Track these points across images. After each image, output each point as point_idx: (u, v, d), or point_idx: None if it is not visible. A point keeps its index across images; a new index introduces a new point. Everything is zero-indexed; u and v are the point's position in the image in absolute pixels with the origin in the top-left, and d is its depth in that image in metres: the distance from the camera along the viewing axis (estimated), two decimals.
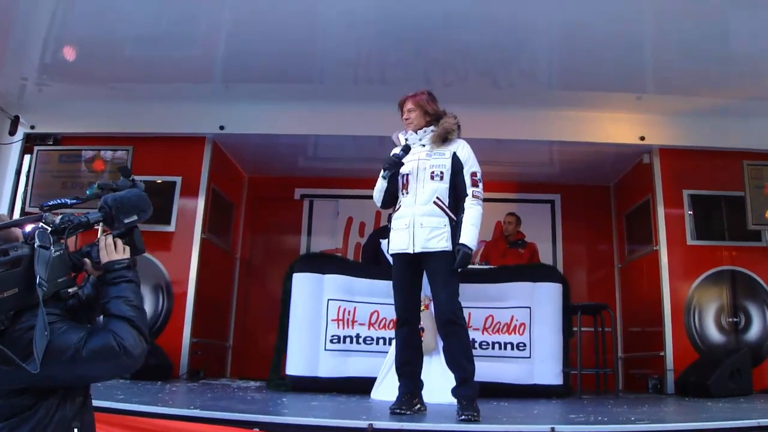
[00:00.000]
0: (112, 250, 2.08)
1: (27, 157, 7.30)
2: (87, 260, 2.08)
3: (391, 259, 4.15)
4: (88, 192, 2.21)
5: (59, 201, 2.09)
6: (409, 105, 4.13)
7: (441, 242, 3.88)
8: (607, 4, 5.10)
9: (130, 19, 5.54)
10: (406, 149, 4.07)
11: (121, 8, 5.36)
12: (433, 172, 3.98)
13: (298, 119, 7.19)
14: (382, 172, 4.09)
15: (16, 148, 7.31)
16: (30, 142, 7.32)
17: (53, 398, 1.86)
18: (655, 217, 7.11)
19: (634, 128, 7.15)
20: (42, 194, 6.88)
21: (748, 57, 5.74)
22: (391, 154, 4.09)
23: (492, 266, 6.49)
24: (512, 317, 5.64)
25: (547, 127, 7.16)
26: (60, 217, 2.02)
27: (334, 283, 5.72)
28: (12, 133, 7.21)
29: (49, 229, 1.93)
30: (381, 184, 4.12)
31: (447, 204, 3.95)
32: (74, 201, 2.13)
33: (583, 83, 6.53)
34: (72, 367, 1.82)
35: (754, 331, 6.62)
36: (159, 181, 7.26)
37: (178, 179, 7.29)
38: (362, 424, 3.28)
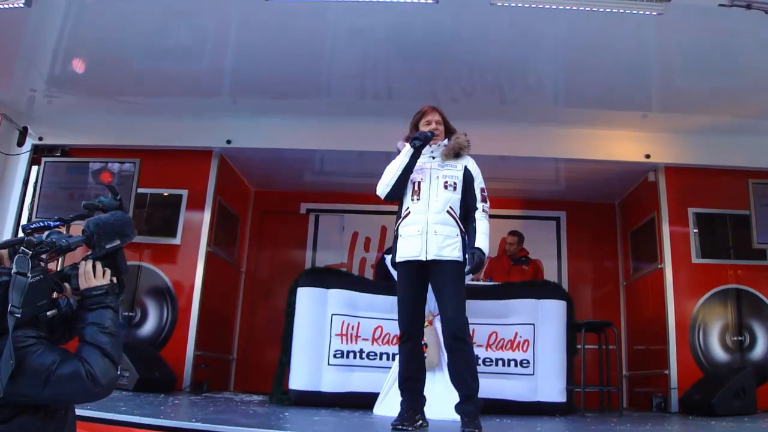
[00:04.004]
0: (91, 276, 2.07)
1: (35, 169, 7.31)
2: (67, 284, 2.08)
3: (394, 273, 4.14)
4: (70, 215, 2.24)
5: (42, 224, 2.09)
6: (437, 116, 4.13)
7: (454, 251, 3.89)
8: (613, 22, 5.11)
9: (138, 33, 5.60)
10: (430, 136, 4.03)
11: (129, 22, 5.41)
12: (446, 182, 4.00)
13: (305, 134, 7.23)
14: (405, 149, 4.00)
15: (24, 159, 7.34)
16: (38, 154, 7.35)
17: (32, 412, 1.88)
18: (661, 235, 7.09)
19: (640, 146, 7.15)
20: (49, 206, 6.87)
21: (754, 74, 5.74)
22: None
23: (496, 283, 6.49)
24: (516, 334, 5.62)
25: (552, 145, 7.17)
26: (42, 237, 2.01)
27: (338, 297, 5.71)
28: (20, 144, 7.25)
29: (30, 253, 1.91)
30: (402, 163, 3.99)
31: (458, 215, 3.98)
32: (57, 223, 2.13)
33: (589, 101, 6.55)
34: (42, 390, 1.84)
35: (759, 350, 6.59)
36: (165, 194, 7.32)
37: (185, 192, 7.33)
38: None
